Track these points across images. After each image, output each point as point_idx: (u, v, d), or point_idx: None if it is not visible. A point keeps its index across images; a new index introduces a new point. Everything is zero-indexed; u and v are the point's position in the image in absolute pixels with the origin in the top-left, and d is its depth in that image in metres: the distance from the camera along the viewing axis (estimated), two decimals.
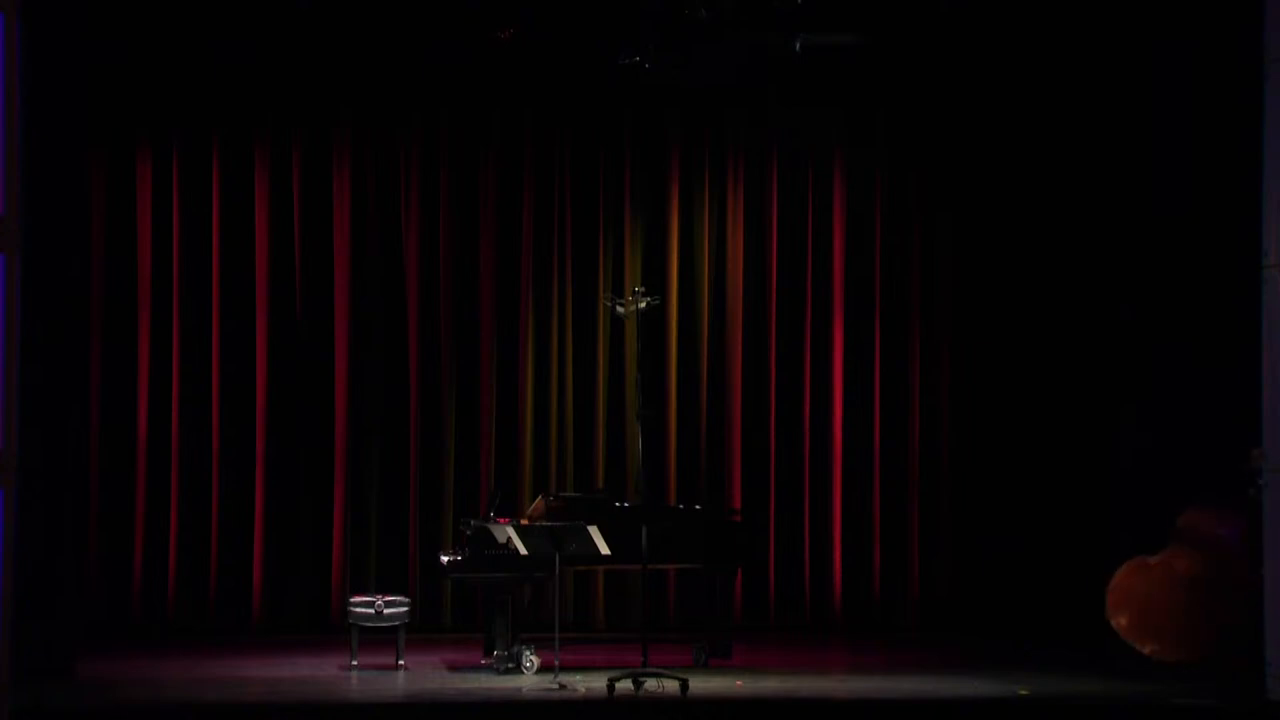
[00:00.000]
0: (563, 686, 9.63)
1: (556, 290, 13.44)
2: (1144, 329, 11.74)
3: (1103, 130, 12.22)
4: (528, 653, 10.44)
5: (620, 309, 10.70)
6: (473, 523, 11.00)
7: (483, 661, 10.99)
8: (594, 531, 10.07)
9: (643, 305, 10.45)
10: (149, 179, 13.07)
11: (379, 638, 10.86)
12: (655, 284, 12.69)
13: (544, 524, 10.56)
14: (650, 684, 9.50)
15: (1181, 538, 10.30)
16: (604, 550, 10.12)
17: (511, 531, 10.25)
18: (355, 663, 10.73)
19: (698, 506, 11.94)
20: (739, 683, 10.12)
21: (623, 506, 11.03)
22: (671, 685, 9.47)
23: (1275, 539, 9.20)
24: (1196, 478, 10.93)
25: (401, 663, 10.74)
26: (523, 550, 10.15)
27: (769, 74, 12.59)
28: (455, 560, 10.83)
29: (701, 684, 9.82)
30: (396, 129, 13.32)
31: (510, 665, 10.47)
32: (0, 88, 7.74)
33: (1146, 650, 10.15)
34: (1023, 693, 9.73)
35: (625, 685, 9.44)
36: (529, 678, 10.26)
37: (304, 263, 13.23)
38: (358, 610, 10.84)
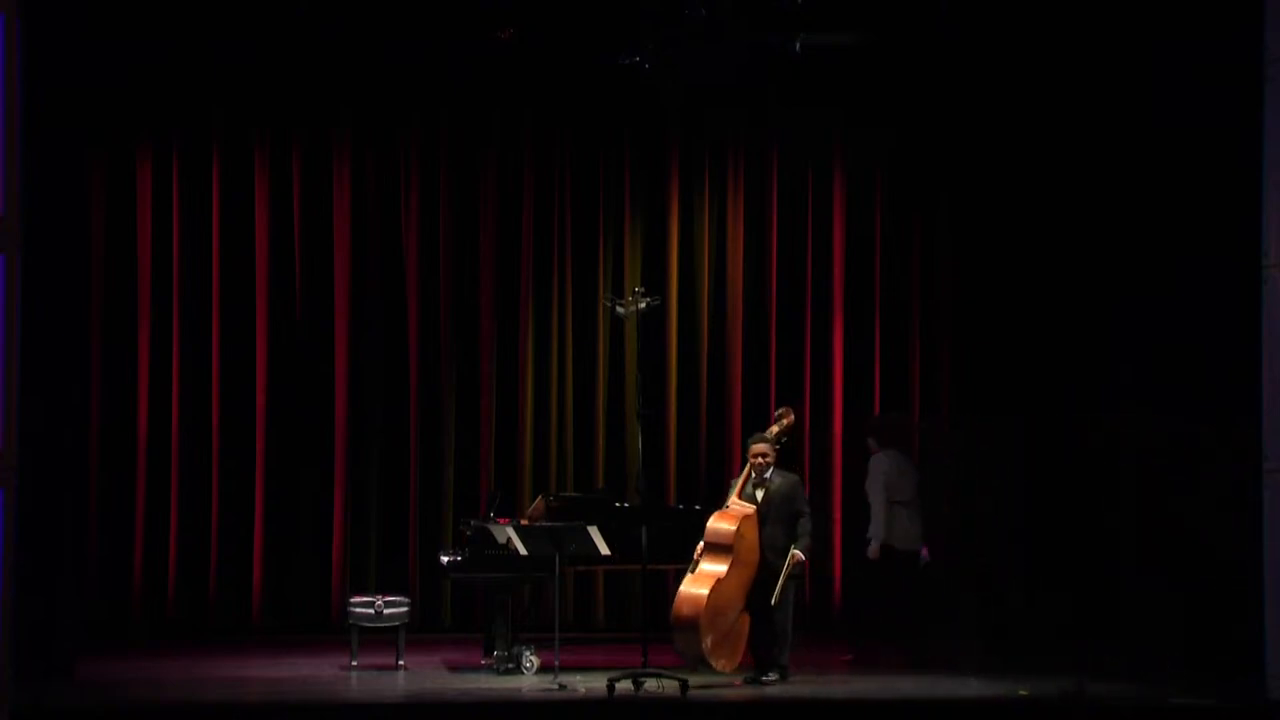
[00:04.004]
0: (563, 687, 9.64)
1: (556, 290, 13.44)
2: (1145, 327, 11.74)
3: (1102, 130, 12.21)
4: (528, 653, 10.44)
5: (620, 309, 10.70)
6: (473, 523, 11.01)
7: (483, 661, 10.99)
8: (594, 531, 10.08)
9: (643, 305, 10.45)
10: (149, 179, 13.07)
11: (379, 638, 10.86)
12: (655, 284, 12.68)
13: (544, 524, 10.57)
14: (650, 684, 9.51)
15: (716, 546, 10.25)
16: (604, 550, 10.13)
17: (511, 532, 10.25)
18: (355, 663, 10.73)
19: (698, 506, 11.93)
20: (738, 682, 10.12)
21: (623, 506, 11.04)
22: (671, 686, 9.48)
23: (1275, 539, 9.21)
24: (1199, 473, 10.95)
25: (401, 663, 10.74)
26: (523, 550, 10.15)
27: (769, 74, 12.57)
28: (455, 560, 10.83)
29: (701, 684, 9.82)
30: (396, 129, 13.32)
31: (510, 665, 10.47)
32: (0, 88, 7.75)
33: (719, 665, 10.05)
34: (1023, 693, 9.73)
35: (625, 685, 9.45)
36: (529, 678, 10.26)
37: (304, 263, 13.23)
38: (358, 610, 10.85)
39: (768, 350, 13.56)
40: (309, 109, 13.22)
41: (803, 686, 10.02)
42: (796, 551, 10.05)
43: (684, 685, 9.46)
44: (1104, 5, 11.61)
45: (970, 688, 9.98)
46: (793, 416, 10.75)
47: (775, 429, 10.57)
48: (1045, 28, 12.03)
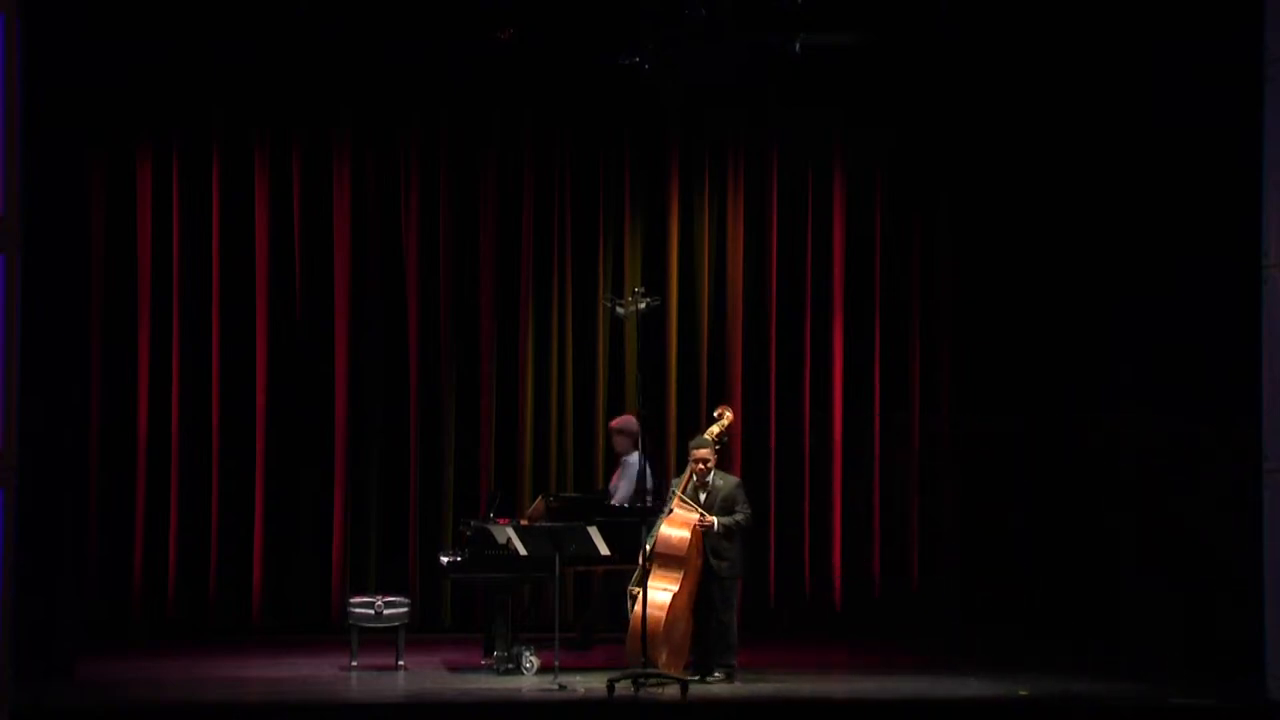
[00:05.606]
0: (563, 687, 9.64)
1: (556, 290, 13.43)
2: (1145, 327, 11.75)
3: (1102, 130, 12.21)
4: (528, 653, 10.44)
5: (620, 309, 10.71)
6: (473, 523, 11.01)
7: (483, 662, 10.98)
8: (594, 532, 10.08)
9: (643, 305, 10.45)
10: (149, 179, 13.06)
11: (379, 638, 10.86)
12: (655, 284, 12.66)
13: (544, 524, 10.57)
14: (650, 685, 9.50)
15: (670, 557, 10.18)
16: (604, 550, 10.13)
17: (511, 532, 10.26)
18: (355, 663, 10.73)
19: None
20: (738, 683, 10.11)
21: (623, 506, 11.03)
22: (671, 686, 9.48)
23: (1275, 539, 9.21)
24: (1199, 474, 10.96)
25: (401, 663, 10.74)
26: (523, 551, 10.16)
27: (769, 74, 12.57)
28: (455, 560, 10.84)
29: (701, 685, 9.82)
30: (396, 129, 13.31)
31: (510, 665, 10.47)
32: (0, 88, 7.75)
33: (671, 671, 9.95)
34: (1023, 693, 9.73)
35: (625, 686, 9.45)
36: (529, 678, 10.26)
37: (304, 263, 13.22)
38: (358, 610, 10.85)
39: (768, 350, 13.55)
40: (309, 109, 13.21)
41: (802, 686, 10.03)
42: (711, 518, 10.02)
43: (684, 686, 9.46)
44: (1104, 5, 11.62)
45: (970, 688, 9.99)
46: (731, 415, 10.78)
47: (715, 429, 10.54)
48: (1045, 27, 12.03)
